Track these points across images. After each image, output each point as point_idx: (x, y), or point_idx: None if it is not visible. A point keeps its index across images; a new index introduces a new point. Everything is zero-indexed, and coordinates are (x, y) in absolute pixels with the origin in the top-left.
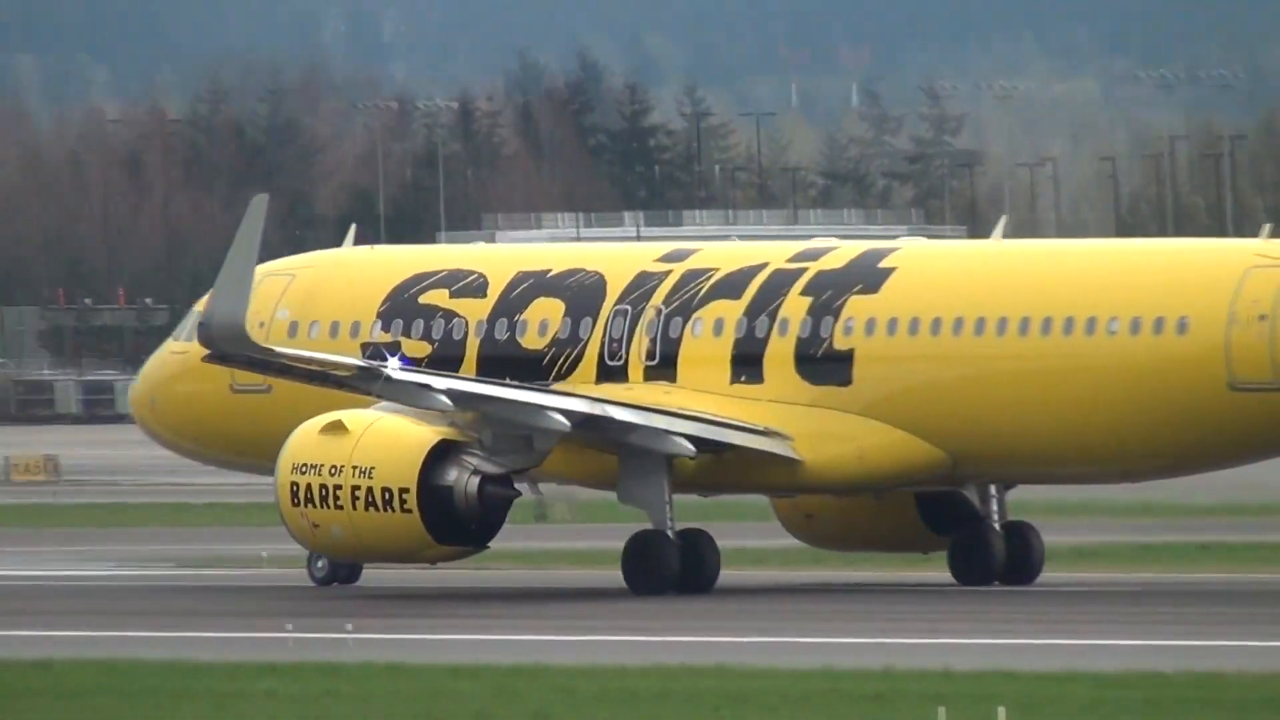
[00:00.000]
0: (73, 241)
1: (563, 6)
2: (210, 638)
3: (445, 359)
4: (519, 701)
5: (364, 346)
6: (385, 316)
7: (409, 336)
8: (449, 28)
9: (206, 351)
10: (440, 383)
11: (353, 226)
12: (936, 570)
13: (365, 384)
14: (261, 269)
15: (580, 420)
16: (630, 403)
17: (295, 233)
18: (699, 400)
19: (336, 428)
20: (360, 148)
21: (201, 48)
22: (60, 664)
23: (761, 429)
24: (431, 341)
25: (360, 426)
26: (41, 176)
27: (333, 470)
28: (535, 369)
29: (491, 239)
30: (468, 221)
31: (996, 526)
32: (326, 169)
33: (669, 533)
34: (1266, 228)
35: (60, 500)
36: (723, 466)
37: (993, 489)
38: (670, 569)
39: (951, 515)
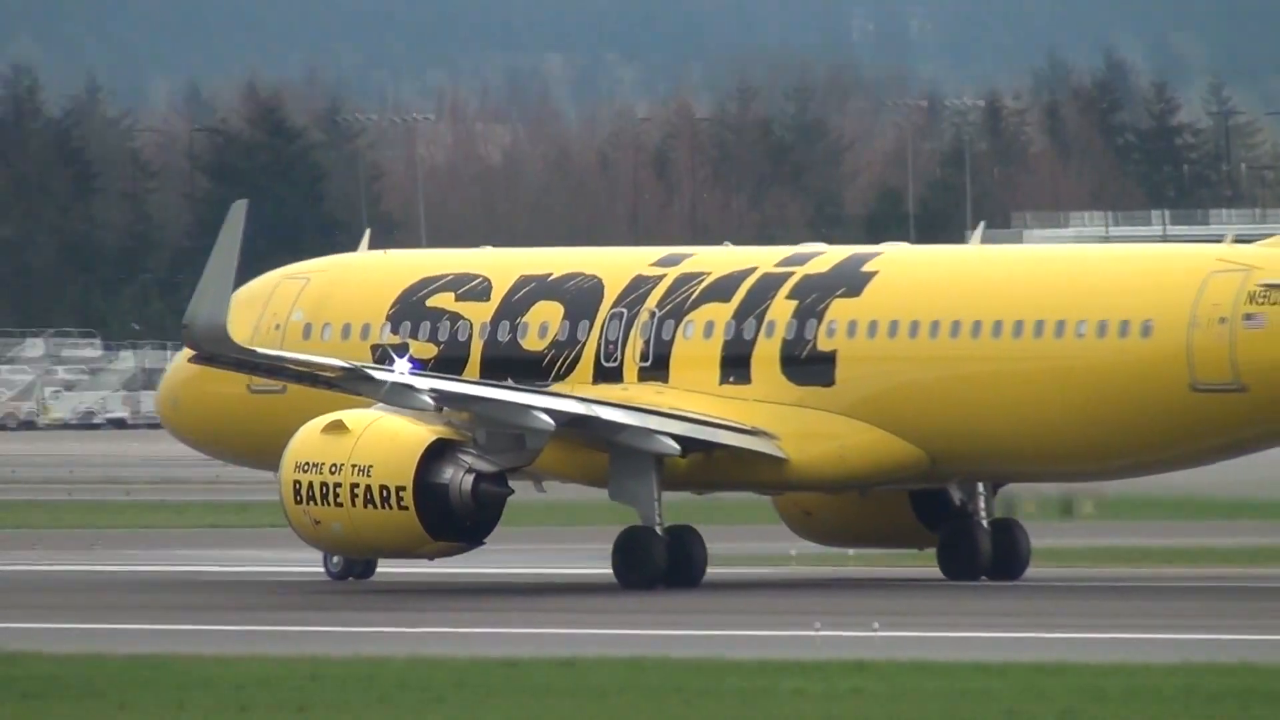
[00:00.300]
0: (601, 240)
1: (1089, 5)
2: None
3: (451, 360)
4: (1046, 700)
5: (374, 348)
6: (394, 319)
7: (416, 338)
8: (974, 26)
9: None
10: (423, 383)
11: (367, 231)
12: (928, 566)
13: (349, 385)
14: (279, 272)
15: (569, 420)
16: (620, 403)
17: (822, 231)
18: (690, 400)
19: (337, 427)
20: (889, 146)
21: (731, 46)
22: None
23: (749, 428)
24: (438, 343)
25: (360, 426)
26: (571, 175)
27: (333, 469)
28: (536, 370)
29: (1019, 238)
30: (995, 220)
31: (984, 524)
32: (854, 168)
33: (657, 529)
34: (1230, 235)
35: None
36: (714, 465)
37: (980, 487)
38: (658, 564)
39: (941, 512)
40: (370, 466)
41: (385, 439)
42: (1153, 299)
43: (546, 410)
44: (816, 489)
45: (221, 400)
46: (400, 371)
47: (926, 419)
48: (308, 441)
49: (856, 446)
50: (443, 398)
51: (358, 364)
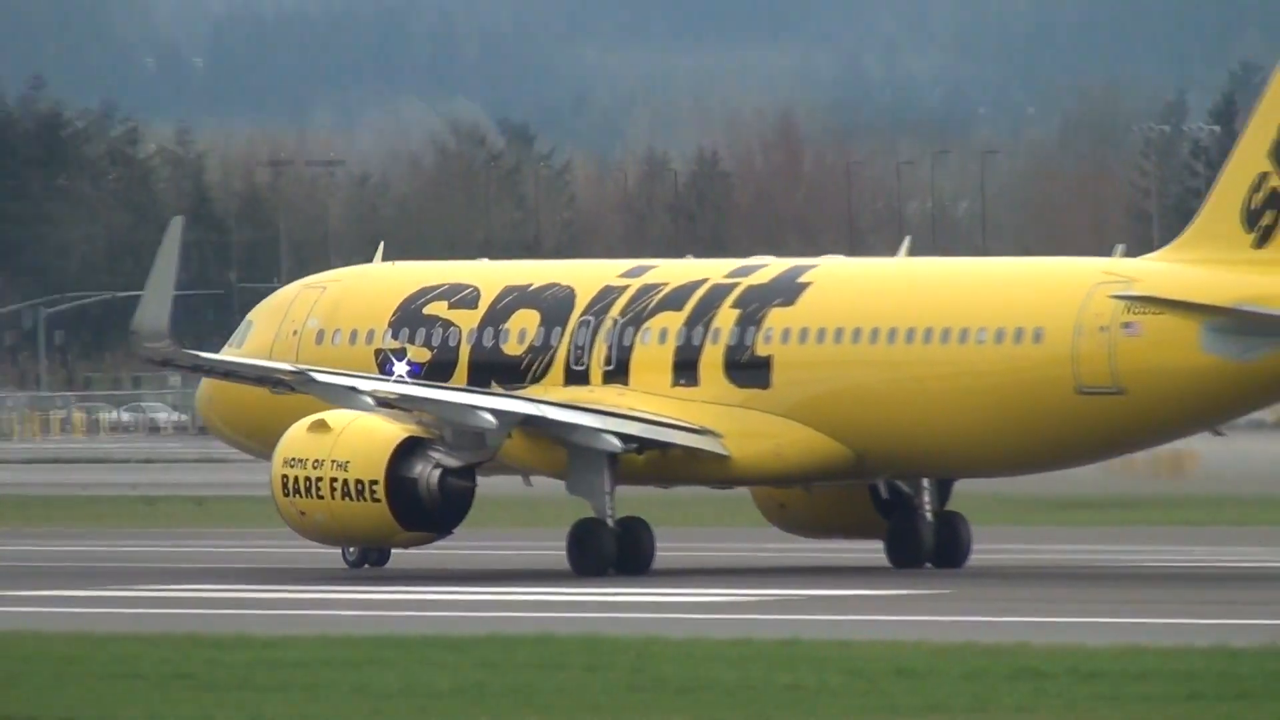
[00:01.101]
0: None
1: None
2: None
3: (442, 364)
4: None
5: (377, 353)
6: (395, 325)
7: (414, 344)
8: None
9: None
10: (365, 384)
11: (381, 244)
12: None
13: (299, 387)
14: (300, 282)
15: (524, 419)
16: (570, 404)
17: None
18: (646, 401)
19: (320, 426)
20: None
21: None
22: None
23: (697, 428)
24: (432, 348)
25: (340, 424)
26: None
27: (315, 464)
28: (515, 373)
29: None
30: None
31: (928, 516)
32: None
33: (609, 521)
34: (1119, 248)
35: None
36: (668, 461)
37: (925, 483)
38: (608, 552)
39: (892, 505)
40: (348, 462)
41: (362, 436)
42: (1044, 309)
43: (492, 410)
44: (757, 484)
45: (251, 398)
46: (400, 375)
47: (851, 419)
48: (294, 439)
49: (791, 444)
50: (398, 399)
51: (304, 367)
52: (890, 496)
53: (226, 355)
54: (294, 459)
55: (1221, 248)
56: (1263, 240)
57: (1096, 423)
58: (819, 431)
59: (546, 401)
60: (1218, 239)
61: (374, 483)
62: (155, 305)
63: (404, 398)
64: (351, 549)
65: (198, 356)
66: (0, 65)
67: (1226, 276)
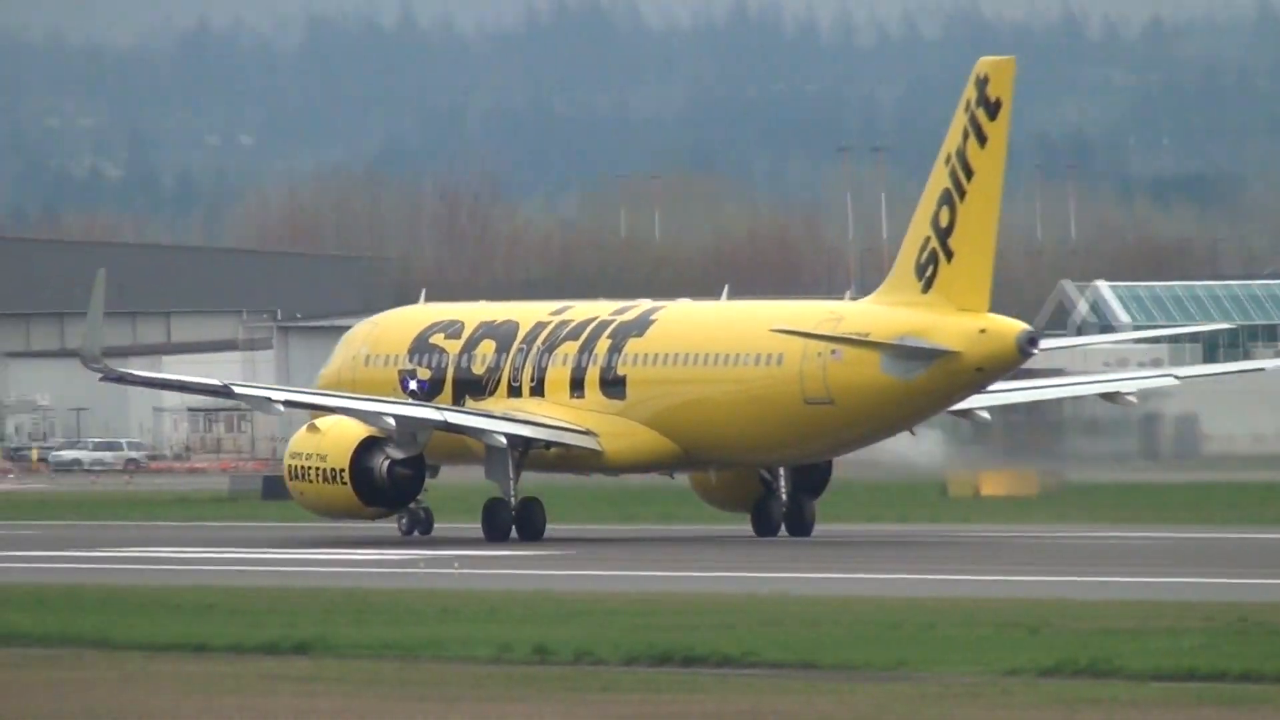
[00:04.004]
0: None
1: None
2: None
3: (437, 381)
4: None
5: (400, 372)
6: (412, 352)
7: (422, 365)
8: None
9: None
10: (278, 395)
11: (423, 290)
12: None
13: (225, 396)
14: (367, 320)
15: (441, 424)
16: (476, 410)
17: None
18: (553, 409)
19: (313, 428)
20: None
21: None
22: None
23: (582, 429)
24: (431, 369)
25: (325, 427)
26: None
27: (307, 456)
28: (479, 388)
29: None
30: None
31: (782, 496)
32: None
33: (511, 500)
34: (849, 292)
35: None
36: (570, 455)
37: (781, 471)
38: (508, 524)
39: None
40: (326, 455)
41: (337, 436)
42: (785, 340)
43: (396, 416)
44: (620, 473)
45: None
46: (412, 389)
47: (676, 423)
48: (297, 438)
49: (642, 442)
50: (294, 405)
51: (226, 382)
52: (762, 482)
53: (324, 372)
54: (295, 452)
55: (902, 293)
56: (926, 287)
57: (818, 425)
58: (656, 432)
59: (450, 409)
60: (901, 287)
61: (342, 470)
62: (90, 337)
63: (316, 405)
64: (402, 520)
65: (131, 375)
66: None
67: (903, 314)
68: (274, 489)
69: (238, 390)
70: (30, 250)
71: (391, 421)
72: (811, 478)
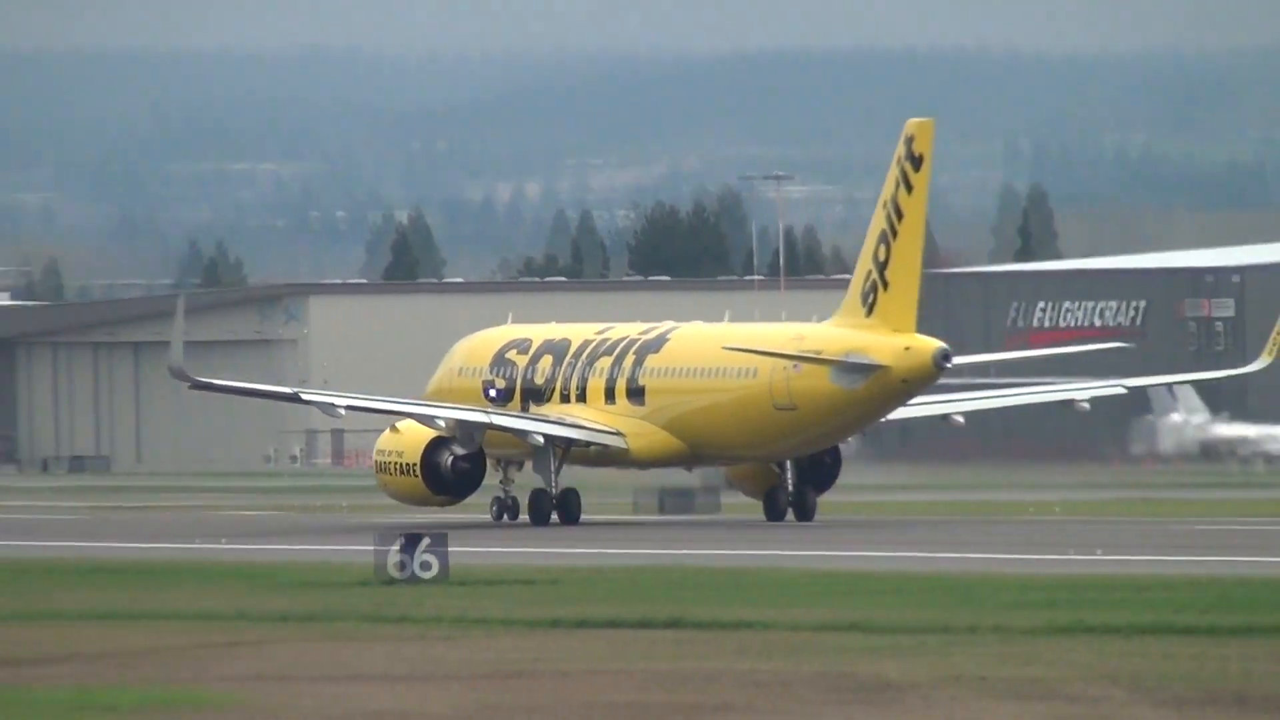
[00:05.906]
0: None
1: None
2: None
3: (510, 390)
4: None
5: (483, 382)
6: (493, 365)
7: (500, 376)
8: None
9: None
10: (341, 401)
11: (510, 313)
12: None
13: (295, 402)
14: (466, 339)
15: (487, 426)
16: (518, 414)
17: None
18: (592, 414)
19: (395, 430)
20: None
21: None
22: None
23: (613, 430)
24: (506, 379)
25: (405, 428)
26: None
27: (389, 453)
28: (540, 396)
29: None
30: None
31: (789, 487)
32: None
33: (551, 490)
34: (815, 316)
35: None
36: (605, 452)
37: (789, 464)
38: (549, 510)
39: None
40: (402, 452)
41: (412, 435)
42: (760, 356)
43: (446, 420)
44: (643, 467)
45: None
46: (492, 395)
47: (682, 425)
48: (384, 436)
49: (657, 442)
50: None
51: (296, 389)
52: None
53: (431, 381)
54: (380, 449)
55: (852, 316)
56: (869, 312)
57: (784, 428)
58: (668, 433)
59: (497, 412)
60: (852, 311)
61: (415, 465)
62: (173, 350)
63: (374, 410)
64: (494, 507)
65: (209, 383)
66: None
67: (850, 334)
68: None
69: (305, 397)
70: None
71: (441, 423)
72: (818, 473)
